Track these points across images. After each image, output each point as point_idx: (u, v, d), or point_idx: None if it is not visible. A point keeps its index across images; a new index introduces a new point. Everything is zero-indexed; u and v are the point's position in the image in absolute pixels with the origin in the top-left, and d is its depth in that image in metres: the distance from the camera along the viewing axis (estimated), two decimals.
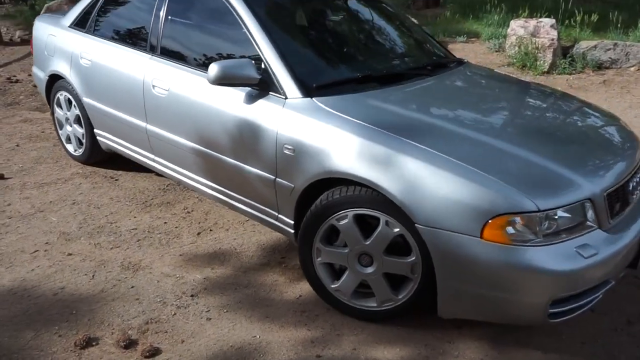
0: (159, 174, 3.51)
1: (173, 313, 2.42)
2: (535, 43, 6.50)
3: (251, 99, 2.52)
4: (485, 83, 2.99)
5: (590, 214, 2.04)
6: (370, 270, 2.26)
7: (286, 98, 2.43)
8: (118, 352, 2.17)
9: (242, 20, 2.64)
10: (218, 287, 2.62)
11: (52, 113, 4.01)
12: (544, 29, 6.55)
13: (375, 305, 2.32)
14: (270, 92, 2.49)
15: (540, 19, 6.75)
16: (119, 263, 2.78)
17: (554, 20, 6.68)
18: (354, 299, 2.36)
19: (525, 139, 2.25)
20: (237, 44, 2.68)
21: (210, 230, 3.13)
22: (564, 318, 2.10)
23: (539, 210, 1.91)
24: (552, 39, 6.46)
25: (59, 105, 3.87)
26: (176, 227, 3.15)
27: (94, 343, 2.21)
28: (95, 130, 3.61)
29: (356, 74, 2.62)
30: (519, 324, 2.12)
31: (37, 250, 2.86)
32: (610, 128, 2.64)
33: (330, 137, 2.25)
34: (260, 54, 2.54)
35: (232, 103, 2.58)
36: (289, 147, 2.37)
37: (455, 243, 1.98)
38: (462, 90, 2.79)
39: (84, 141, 3.77)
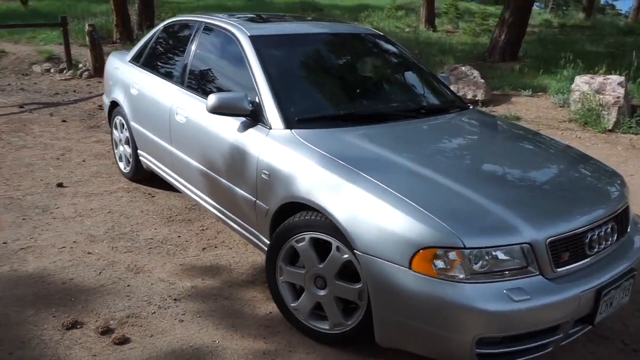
0: None
1: (153, 312, 2.69)
2: (599, 100, 6.28)
3: (243, 127, 2.81)
4: (473, 129, 3.05)
5: (532, 258, 2.05)
6: (323, 292, 2.39)
7: (270, 128, 2.70)
8: (95, 336, 2.47)
9: (248, 60, 2.98)
10: (201, 295, 2.86)
11: (111, 135, 4.60)
12: (610, 86, 6.31)
13: (327, 328, 2.44)
14: (259, 123, 2.77)
15: (608, 76, 6.53)
16: (126, 265, 3.13)
17: (622, 78, 6.43)
18: (311, 320, 2.49)
19: (479, 182, 2.31)
20: (241, 80, 3.01)
21: (215, 247, 3.42)
22: None
23: (465, 247, 1.97)
24: (618, 97, 6.20)
25: (116, 128, 4.44)
26: (186, 241, 3.47)
27: (78, 326, 2.54)
28: (138, 151, 4.10)
29: (339, 111, 2.83)
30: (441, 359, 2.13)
31: (64, 247, 3.30)
32: (594, 181, 2.60)
33: (297, 165, 2.46)
34: (256, 88, 2.85)
35: (228, 130, 2.89)
36: (266, 172, 2.61)
37: (388, 272, 2.08)
38: (440, 134, 2.88)
39: (130, 160, 4.28)
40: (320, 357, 2.40)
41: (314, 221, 2.35)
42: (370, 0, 23.25)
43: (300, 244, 2.41)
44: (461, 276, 1.98)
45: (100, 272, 3.03)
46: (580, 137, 6.09)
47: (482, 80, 7.24)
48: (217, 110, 2.76)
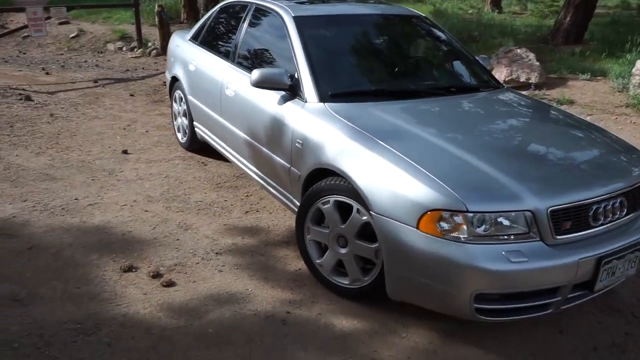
0: None
1: (197, 262, 3.05)
2: None
3: (282, 100, 3.09)
4: (498, 106, 3.16)
5: (533, 225, 2.20)
6: (344, 251, 2.65)
7: (305, 102, 2.95)
8: (146, 279, 2.86)
9: (290, 39, 3.23)
10: (240, 251, 3.19)
11: (171, 108, 5.02)
12: None
13: (347, 283, 2.70)
14: (296, 97, 3.03)
15: None
16: (177, 222, 3.51)
17: None
18: (333, 275, 2.75)
19: (491, 154, 2.47)
20: (285, 57, 3.27)
21: (257, 211, 3.74)
22: (496, 318, 2.28)
23: (468, 211, 2.15)
24: None
25: (175, 101, 4.85)
26: (231, 205, 3.82)
27: (133, 270, 2.93)
28: (194, 123, 4.49)
29: (370, 87, 3.04)
30: (453, 314, 2.33)
31: (125, 205, 3.73)
32: (609, 158, 2.68)
33: (326, 135, 2.71)
34: (295, 65, 3.11)
35: (270, 103, 3.17)
36: (299, 141, 2.88)
37: (399, 231, 2.30)
38: (464, 110, 3.03)
39: (187, 131, 4.67)
40: (339, 308, 2.67)
41: (338, 185, 2.60)
42: None
43: (326, 206, 2.67)
44: (464, 237, 2.18)
45: (154, 227, 3.43)
46: (635, 123, 5.93)
47: (537, 63, 7.12)
48: (259, 84, 3.04)
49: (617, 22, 12.16)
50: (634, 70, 6.52)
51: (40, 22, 8.01)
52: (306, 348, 2.38)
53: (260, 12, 3.73)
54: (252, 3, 3.88)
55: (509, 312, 2.29)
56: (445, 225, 2.20)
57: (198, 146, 4.69)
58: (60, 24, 11.99)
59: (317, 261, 2.80)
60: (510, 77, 6.98)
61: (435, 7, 14.35)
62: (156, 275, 2.89)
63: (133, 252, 3.12)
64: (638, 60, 6.54)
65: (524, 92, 6.50)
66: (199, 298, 2.72)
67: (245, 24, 3.81)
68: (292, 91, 3.05)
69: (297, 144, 2.90)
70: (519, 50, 7.28)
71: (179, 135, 4.92)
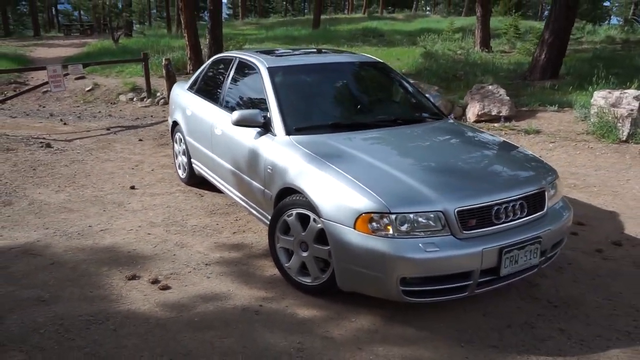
0: None
1: (189, 271, 3.66)
2: (614, 113, 6.69)
3: (257, 135, 3.77)
4: (433, 133, 3.81)
5: (444, 223, 2.81)
6: (306, 254, 3.25)
7: (275, 136, 3.63)
8: (147, 284, 3.47)
9: (264, 85, 3.95)
10: (226, 262, 3.81)
11: (173, 148, 5.75)
12: (626, 100, 6.71)
13: (310, 281, 3.28)
14: (268, 132, 3.71)
15: (625, 90, 6.91)
16: (174, 242, 4.14)
17: (639, 92, 6.79)
18: (299, 276, 3.35)
19: (415, 169, 3.10)
20: (260, 100, 3.97)
21: (244, 231, 4.37)
22: (420, 299, 2.86)
23: (391, 213, 2.77)
24: (632, 110, 6.59)
25: (176, 142, 5.57)
26: (222, 227, 4.45)
27: (136, 278, 3.55)
28: (191, 160, 5.18)
29: (328, 121, 3.72)
30: (386, 297, 2.91)
31: (132, 229, 4.39)
32: (514, 170, 3.32)
33: (289, 160, 3.37)
34: (268, 106, 3.81)
35: (248, 138, 3.85)
36: (270, 167, 3.54)
37: (341, 232, 2.91)
38: (405, 136, 3.68)
39: (186, 167, 5.37)
40: (304, 302, 3.25)
41: (298, 200, 3.24)
42: (432, 24, 24.03)
43: (290, 218, 3.30)
44: (389, 234, 2.78)
45: (155, 246, 4.07)
46: (592, 148, 6.53)
47: (508, 98, 7.81)
48: (238, 123, 3.74)
49: (598, 56, 12.89)
50: (592, 100, 7.17)
51: (59, 78, 8.94)
52: (272, 330, 2.96)
53: (242, 64, 4.47)
54: (236, 57, 4.63)
55: (430, 293, 2.87)
56: (374, 225, 2.81)
57: (196, 180, 5.37)
58: (77, 79, 13.03)
59: (286, 265, 3.40)
60: (483, 111, 7.66)
61: (426, 49, 15.25)
62: (155, 282, 3.50)
63: (137, 265, 3.75)
64: (595, 92, 7.20)
65: (495, 124, 7.19)
66: (189, 297, 3.32)
67: (231, 74, 4.55)
68: (265, 127, 3.74)
69: (268, 170, 3.56)
70: (490, 87, 7.99)
71: (180, 172, 5.62)
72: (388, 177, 3.01)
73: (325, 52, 4.72)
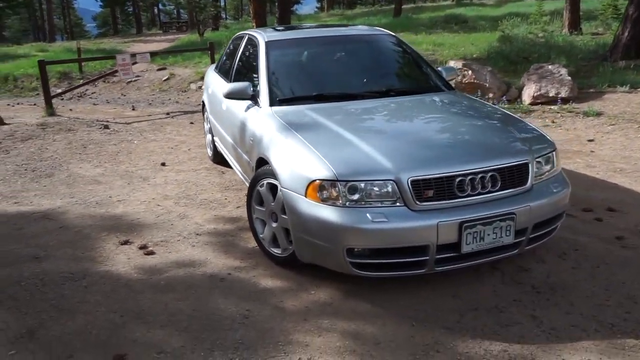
0: None
1: (178, 239, 3.77)
2: None
3: (247, 108, 3.77)
4: (427, 104, 3.58)
5: (397, 193, 2.63)
6: (275, 225, 3.21)
7: (260, 107, 3.61)
8: (135, 250, 3.61)
9: (259, 59, 3.94)
10: (217, 233, 3.86)
11: (204, 128, 5.93)
12: None
13: (280, 252, 3.24)
14: (256, 104, 3.70)
15: None
16: (178, 213, 4.28)
17: None
18: (272, 246, 3.31)
19: (378, 139, 2.94)
20: (256, 74, 3.98)
21: None
22: (371, 273, 2.71)
23: (339, 180, 2.65)
24: None
25: (205, 121, 5.74)
26: (229, 202, 4.52)
27: (128, 243, 3.71)
28: (213, 137, 5.32)
29: (311, 93, 3.63)
30: (337, 269, 2.80)
31: (145, 201, 4.60)
32: (492, 140, 3.04)
33: (264, 131, 3.34)
34: (259, 78, 3.80)
35: (240, 110, 3.87)
36: (251, 138, 3.53)
37: (295, 200, 2.84)
38: (393, 107, 3.49)
39: (211, 146, 5.52)
40: (272, 273, 3.21)
41: (267, 170, 3.20)
42: (522, 9, 22.60)
43: (262, 188, 3.27)
44: (339, 202, 2.66)
45: (158, 216, 4.23)
46: None
47: (569, 78, 7.15)
48: (229, 95, 3.77)
49: None
50: None
51: (128, 67, 9.56)
52: (227, 297, 2.96)
53: (250, 40, 4.49)
54: (246, 33, 4.67)
55: (383, 267, 2.71)
56: (324, 193, 2.70)
57: (221, 158, 5.49)
58: (159, 70, 13.91)
59: (261, 235, 3.38)
60: (539, 93, 7.09)
61: (504, 33, 14.37)
62: (142, 247, 3.64)
63: (133, 232, 3.92)
64: None
65: (552, 107, 6.63)
66: (166, 263, 3.41)
67: (240, 51, 4.60)
68: (254, 100, 3.73)
69: (250, 141, 3.56)
70: (550, 67, 7.36)
71: (208, 150, 5.79)
72: (349, 146, 2.88)
73: (336, 26, 4.61)
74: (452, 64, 7.82)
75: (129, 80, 11.86)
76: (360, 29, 4.53)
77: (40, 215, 4.27)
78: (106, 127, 7.69)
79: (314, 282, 3.07)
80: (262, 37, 4.17)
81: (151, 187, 4.98)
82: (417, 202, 2.64)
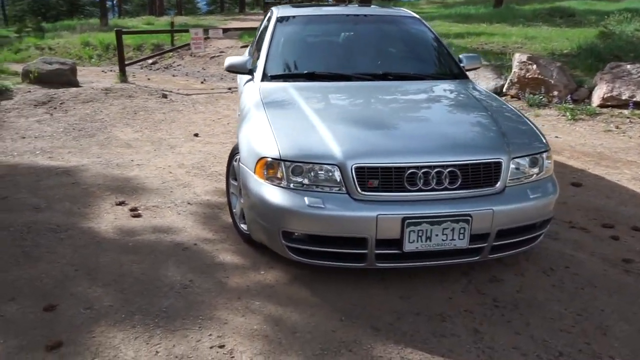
0: None
1: (169, 206, 3.86)
2: None
3: (246, 82, 3.75)
4: (425, 90, 3.33)
5: (340, 179, 2.48)
6: (242, 200, 3.18)
7: (253, 82, 3.57)
8: (125, 211, 3.75)
9: (267, 34, 3.89)
10: (207, 205, 3.91)
11: None
12: None
13: (246, 228, 3.21)
14: (252, 79, 3.66)
15: None
16: (183, 182, 4.38)
17: None
18: (241, 222, 3.28)
19: (340, 123, 2.79)
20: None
21: None
22: (307, 260, 2.60)
23: (281, 159, 2.55)
24: None
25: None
26: None
27: (122, 204, 3.86)
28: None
29: (304, 71, 3.51)
30: (276, 250, 2.71)
31: (160, 167, 4.75)
32: (467, 134, 2.76)
33: (244, 105, 3.30)
34: (260, 53, 3.75)
35: (242, 84, 3.85)
36: (239, 113, 3.50)
37: (246, 177, 2.79)
38: (380, 91, 3.30)
39: None
40: (236, 249, 3.19)
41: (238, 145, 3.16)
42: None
43: (235, 163, 3.24)
44: (281, 183, 2.56)
45: (163, 182, 4.36)
46: None
47: None
48: (229, 69, 3.76)
49: None
50: None
51: (200, 41, 9.91)
52: (179, 266, 2.98)
53: (269, 15, 4.44)
54: (273, 10, 4.62)
55: (320, 255, 2.58)
56: (269, 172, 2.61)
57: None
58: (242, 47, 14.30)
59: (234, 210, 3.37)
60: (610, 94, 6.37)
61: (607, 29, 13.05)
62: (133, 210, 3.77)
63: (133, 195, 4.07)
64: None
65: (623, 111, 5.95)
66: (145, 227, 3.51)
67: (262, 28, 4.56)
68: (251, 74, 3.70)
69: (238, 115, 3.53)
70: (629, 66, 6.57)
71: None
72: (308, 127, 2.75)
73: (358, 6, 4.43)
74: (517, 57, 7.23)
75: (200, 53, 12.32)
76: (382, 10, 4.31)
77: (62, 171, 4.57)
78: (164, 96, 8.04)
79: (270, 263, 3.00)
80: (276, 12, 4.11)
81: (174, 155, 5.14)
82: (360, 191, 2.47)
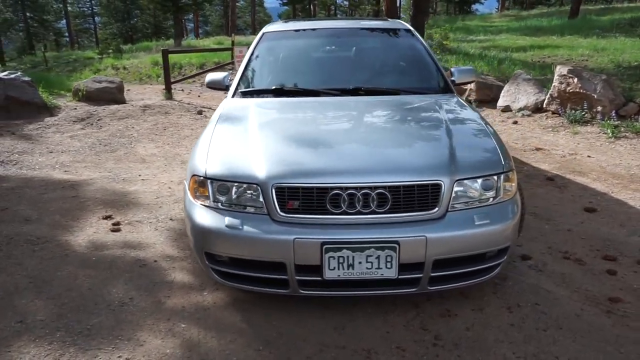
0: None
1: (150, 222, 3.88)
2: None
3: (225, 97, 3.72)
4: (391, 106, 3.13)
5: (262, 199, 2.36)
6: None
7: (226, 96, 3.53)
8: (108, 225, 3.81)
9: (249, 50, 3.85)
10: None
11: None
12: None
13: None
14: (227, 93, 3.63)
15: None
16: (177, 197, 4.40)
17: None
18: None
19: (282, 140, 2.66)
20: None
21: None
22: (234, 284, 2.50)
23: (207, 177, 2.46)
24: None
25: None
26: None
27: (108, 218, 3.94)
28: None
29: (271, 87, 3.42)
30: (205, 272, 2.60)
31: (162, 183, 4.82)
32: (409, 152, 2.57)
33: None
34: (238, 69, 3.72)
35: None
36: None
37: (185, 193, 2.71)
38: (341, 107, 3.17)
39: None
40: (192, 267, 3.13)
41: None
42: None
43: None
44: (208, 202, 2.47)
45: (157, 197, 4.41)
46: None
47: None
48: (208, 85, 3.76)
49: None
50: None
51: (241, 58, 10.11)
52: (128, 282, 2.96)
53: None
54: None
55: (243, 279, 2.45)
56: (199, 190, 2.53)
57: None
58: None
59: None
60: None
61: None
62: (115, 224, 3.84)
63: (122, 209, 4.15)
64: None
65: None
66: (117, 242, 3.54)
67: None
68: (227, 90, 3.66)
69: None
70: None
71: None
72: (246, 145, 2.64)
73: (352, 19, 4.28)
74: (558, 69, 6.70)
75: None
76: (372, 23, 4.13)
77: (69, 185, 4.76)
78: (200, 112, 8.26)
79: (218, 284, 2.90)
80: (265, 28, 4.07)
81: (182, 170, 5.22)
82: (280, 213, 2.32)
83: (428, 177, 2.33)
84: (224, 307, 2.68)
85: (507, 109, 7.35)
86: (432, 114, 2.98)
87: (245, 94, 3.44)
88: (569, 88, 6.43)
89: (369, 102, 3.17)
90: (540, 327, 2.45)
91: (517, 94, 7.34)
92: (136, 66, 17.51)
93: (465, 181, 2.39)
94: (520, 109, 7.14)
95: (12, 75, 7.56)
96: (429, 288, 2.40)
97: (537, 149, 5.61)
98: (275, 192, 2.32)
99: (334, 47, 3.85)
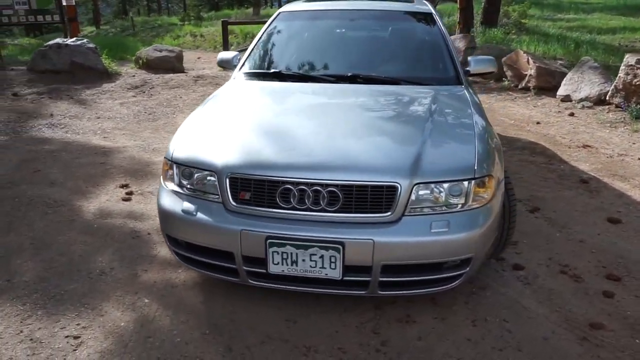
0: None
1: None
2: None
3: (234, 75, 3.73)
4: (380, 99, 2.99)
5: (217, 187, 2.36)
6: None
7: (234, 77, 3.54)
8: (122, 194, 4.00)
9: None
10: None
11: None
12: None
13: None
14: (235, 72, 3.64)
15: None
16: None
17: None
18: None
19: (255, 129, 2.65)
20: None
21: None
22: (191, 267, 2.54)
23: (172, 161, 2.50)
24: None
25: None
26: None
27: (124, 187, 4.13)
28: None
29: (271, 70, 3.39)
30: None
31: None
32: (374, 149, 2.45)
33: None
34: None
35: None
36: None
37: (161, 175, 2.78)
38: (333, 94, 3.10)
39: None
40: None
41: None
42: None
43: None
44: (174, 187, 2.52)
45: None
46: None
47: None
48: (219, 64, 3.79)
49: None
50: None
51: None
52: (116, 252, 3.12)
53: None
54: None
55: (200, 264, 2.49)
56: (168, 173, 2.58)
57: None
58: None
59: None
60: None
61: None
62: (129, 193, 4.03)
63: (140, 179, 4.34)
64: None
65: None
66: (123, 211, 3.72)
67: None
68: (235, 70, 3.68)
69: None
70: None
71: None
72: (220, 131, 2.64)
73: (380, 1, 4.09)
74: (627, 58, 6.06)
75: None
76: (393, 4, 3.90)
77: (102, 151, 5.03)
78: None
79: (196, 276, 2.97)
80: (283, 8, 4.01)
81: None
82: (233, 203, 2.32)
83: (384, 178, 2.22)
84: (191, 287, 2.75)
85: (566, 98, 6.80)
86: (419, 109, 2.82)
87: (249, 76, 3.43)
88: (635, 80, 5.82)
89: (360, 92, 3.05)
90: (498, 347, 2.30)
91: (580, 83, 6.76)
92: (212, 34, 17.94)
93: (429, 184, 2.25)
94: (580, 100, 6.58)
95: (78, 42, 8.03)
96: (380, 292, 2.31)
97: (585, 146, 5.16)
98: (229, 181, 2.32)
99: (344, 30, 3.71)
